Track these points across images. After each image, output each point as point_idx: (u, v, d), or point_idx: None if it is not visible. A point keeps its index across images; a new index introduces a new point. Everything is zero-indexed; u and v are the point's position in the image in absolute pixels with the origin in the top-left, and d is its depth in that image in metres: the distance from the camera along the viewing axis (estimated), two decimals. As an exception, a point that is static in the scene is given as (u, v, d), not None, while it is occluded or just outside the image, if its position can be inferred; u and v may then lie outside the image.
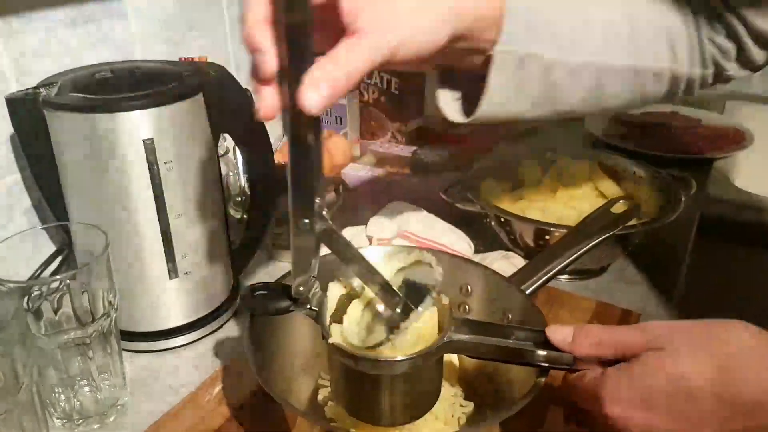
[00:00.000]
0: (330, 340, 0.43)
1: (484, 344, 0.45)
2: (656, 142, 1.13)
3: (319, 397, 0.56)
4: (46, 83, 0.59)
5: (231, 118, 0.65)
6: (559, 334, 0.44)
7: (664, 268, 0.82)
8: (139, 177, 0.58)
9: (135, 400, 0.60)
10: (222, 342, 0.68)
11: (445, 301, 0.47)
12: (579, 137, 1.21)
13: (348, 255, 0.43)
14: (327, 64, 0.37)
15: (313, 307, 0.46)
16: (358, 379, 0.44)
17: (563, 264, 0.56)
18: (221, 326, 0.70)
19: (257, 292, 0.48)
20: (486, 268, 0.58)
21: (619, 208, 0.64)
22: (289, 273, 0.46)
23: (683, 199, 0.77)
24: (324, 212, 0.42)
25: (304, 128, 0.37)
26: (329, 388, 0.55)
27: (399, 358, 0.42)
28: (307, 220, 0.41)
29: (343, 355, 0.43)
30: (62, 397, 0.57)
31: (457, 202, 0.78)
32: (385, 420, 0.46)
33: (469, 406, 0.55)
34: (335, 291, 0.46)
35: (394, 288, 0.43)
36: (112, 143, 0.56)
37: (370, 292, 0.45)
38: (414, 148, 1.03)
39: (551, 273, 0.56)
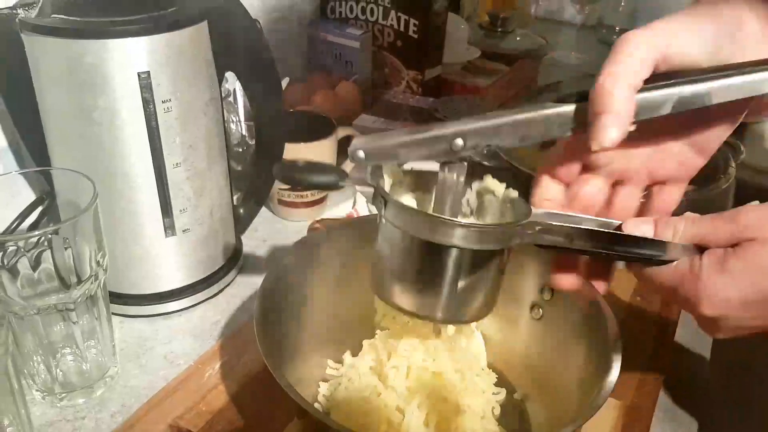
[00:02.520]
0: (391, 197, 0.38)
1: (572, 228, 0.38)
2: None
3: (323, 390, 0.50)
4: (25, 3, 0.50)
5: (238, 54, 0.57)
6: (641, 227, 0.38)
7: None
8: (132, 117, 0.50)
9: (125, 372, 0.53)
10: (222, 308, 0.61)
11: (515, 194, 0.42)
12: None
13: None
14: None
15: (369, 182, 0.40)
16: (412, 252, 0.39)
17: None
18: (221, 290, 0.62)
19: (299, 165, 0.43)
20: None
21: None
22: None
23: (733, 164, 0.70)
24: None
25: None
26: (336, 381, 0.49)
27: (472, 222, 0.39)
28: None
29: (407, 212, 0.38)
30: (42, 366, 0.50)
31: (483, 159, 0.71)
32: (440, 312, 0.40)
33: (502, 393, 0.49)
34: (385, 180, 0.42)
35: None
36: (101, 76, 0.48)
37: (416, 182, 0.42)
38: (430, 99, 0.95)
39: None
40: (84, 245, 0.48)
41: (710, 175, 0.69)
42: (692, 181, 0.69)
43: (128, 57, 0.48)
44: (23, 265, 0.47)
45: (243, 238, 0.68)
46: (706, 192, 0.66)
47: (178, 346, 0.56)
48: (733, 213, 0.36)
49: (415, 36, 0.93)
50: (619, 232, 0.38)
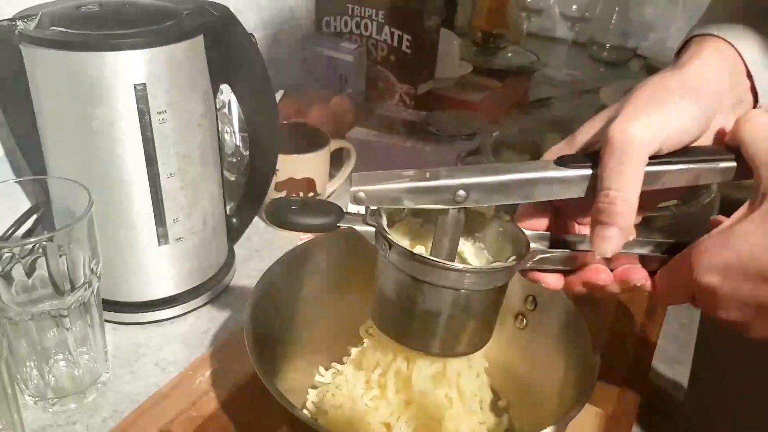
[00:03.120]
0: (396, 242, 0.39)
1: (572, 253, 0.40)
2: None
3: (311, 398, 0.50)
4: (25, 15, 0.51)
5: (233, 67, 0.58)
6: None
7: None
8: (128, 128, 0.51)
9: (117, 379, 0.54)
10: (214, 316, 0.62)
11: (506, 218, 0.43)
12: (593, 110, 1.15)
13: None
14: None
15: (369, 222, 0.40)
16: (415, 294, 0.39)
17: None
18: (213, 299, 0.63)
19: (292, 206, 0.42)
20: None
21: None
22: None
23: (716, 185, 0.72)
24: None
25: None
26: (324, 389, 0.50)
27: (480, 267, 0.39)
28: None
29: (414, 259, 0.38)
30: (35, 372, 0.50)
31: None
32: (437, 349, 0.41)
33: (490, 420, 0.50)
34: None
35: None
36: (98, 88, 0.49)
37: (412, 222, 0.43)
38: (423, 112, 0.96)
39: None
40: (78, 252, 0.49)
41: (693, 191, 0.70)
42: (676, 198, 0.71)
43: (125, 69, 0.49)
44: (18, 272, 0.48)
45: (236, 247, 0.69)
46: (688, 208, 0.67)
47: (170, 354, 0.57)
48: None
49: (408, 51, 0.95)
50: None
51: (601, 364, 0.42)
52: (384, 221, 0.41)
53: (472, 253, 0.45)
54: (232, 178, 0.79)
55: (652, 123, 0.36)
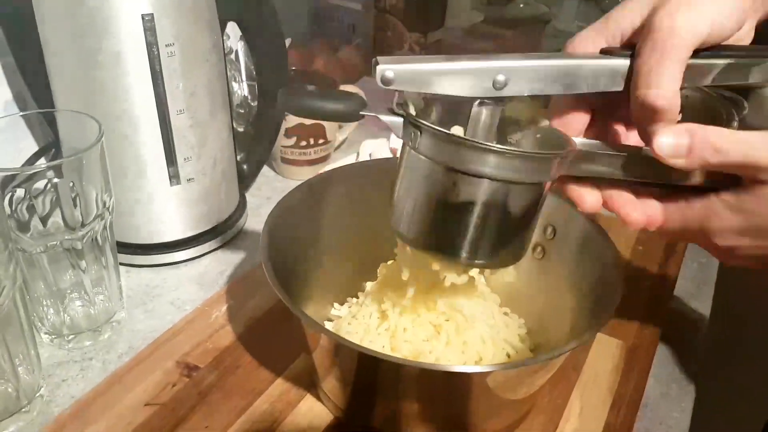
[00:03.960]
0: (428, 124, 0.34)
1: (615, 156, 0.36)
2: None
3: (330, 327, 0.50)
4: (27, -50, 0.50)
5: (241, 2, 0.56)
6: (670, 145, 0.35)
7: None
8: (136, 61, 0.50)
9: (132, 318, 0.54)
10: (228, 258, 0.61)
11: (545, 122, 0.39)
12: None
13: None
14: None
15: (396, 110, 0.36)
16: (448, 187, 0.35)
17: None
18: (227, 243, 0.63)
19: (309, 90, 0.39)
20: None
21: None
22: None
23: (737, 120, 0.70)
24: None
25: None
26: (339, 322, 0.49)
27: (522, 150, 0.35)
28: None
29: (450, 142, 0.34)
30: (50, 310, 0.50)
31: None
32: (465, 252, 0.37)
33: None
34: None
35: None
36: (105, 18, 0.48)
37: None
38: (433, 62, 0.94)
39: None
40: (90, 187, 0.48)
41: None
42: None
43: (131, -2, 0.48)
44: (33, 217, 0.48)
45: (247, 195, 0.69)
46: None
47: (185, 294, 0.56)
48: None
49: (418, -3, 0.93)
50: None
51: (621, 297, 0.40)
52: (412, 110, 0.36)
53: None
54: (241, 129, 0.79)
55: (700, 15, 0.34)
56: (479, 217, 0.36)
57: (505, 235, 0.37)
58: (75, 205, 0.50)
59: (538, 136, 0.39)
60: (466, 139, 0.34)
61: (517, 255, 0.39)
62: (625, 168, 0.36)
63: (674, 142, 0.35)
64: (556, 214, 0.48)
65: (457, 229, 0.37)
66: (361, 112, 0.37)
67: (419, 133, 0.35)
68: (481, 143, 0.34)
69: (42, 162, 0.59)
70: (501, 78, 0.34)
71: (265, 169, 0.76)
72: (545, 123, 0.39)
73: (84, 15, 0.48)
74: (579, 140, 0.37)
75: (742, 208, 0.35)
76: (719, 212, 0.36)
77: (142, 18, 0.48)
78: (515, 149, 0.35)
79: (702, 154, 0.35)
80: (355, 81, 0.87)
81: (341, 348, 0.37)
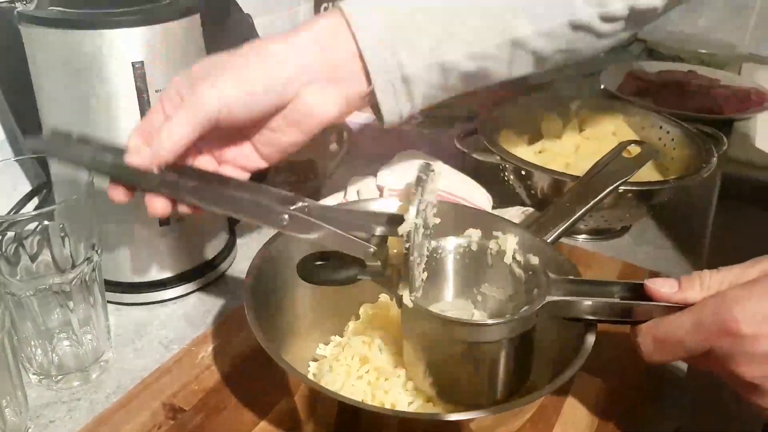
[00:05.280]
0: (407, 302, 0.40)
1: (588, 304, 0.40)
2: (674, 101, 1.08)
3: (312, 370, 0.51)
4: (22, -3, 0.52)
5: (231, 47, 0.58)
6: (664, 286, 0.39)
7: (687, 229, 0.77)
8: (127, 106, 0.51)
9: (120, 357, 0.54)
10: (217, 296, 0.62)
11: (535, 260, 0.43)
12: (594, 93, 1.15)
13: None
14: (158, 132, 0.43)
15: (386, 273, 0.41)
16: (441, 349, 0.41)
17: (582, 211, 0.52)
18: (216, 279, 0.64)
19: (317, 262, 0.44)
20: (502, 218, 0.53)
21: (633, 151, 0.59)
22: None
23: (715, 156, 0.72)
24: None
25: None
26: (324, 361, 0.50)
27: (492, 321, 0.40)
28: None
29: (427, 318, 0.40)
30: (38, 350, 0.51)
31: (473, 151, 0.73)
32: (471, 398, 0.42)
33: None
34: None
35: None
36: (96, 66, 0.49)
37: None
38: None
39: (570, 221, 0.52)
40: (79, 230, 0.49)
41: (693, 166, 0.70)
42: (676, 172, 0.71)
43: (123, 47, 0.49)
44: (22, 256, 0.48)
45: (236, 229, 0.70)
46: (689, 181, 0.67)
47: (173, 332, 0.57)
48: (758, 258, 0.38)
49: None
50: (640, 303, 0.39)
51: (602, 337, 0.42)
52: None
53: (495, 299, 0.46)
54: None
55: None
56: (479, 368, 0.41)
57: (507, 375, 0.42)
58: (64, 247, 0.51)
59: (530, 273, 0.43)
60: (444, 317, 0.40)
61: (524, 379, 0.43)
62: (608, 313, 0.41)
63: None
64: (486, 229, 0.49)
65: (461, 379, 0.42)
66: (358, 276, 0.43)
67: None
68: (460, 320, 0.40)
69: (34, 202, 0.59)
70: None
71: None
72: (535, 261, 0.43)
73: (78, 61, 0.49)
74: (560, 278, 0.42)
75: (760, 288, 0.35)
76: (734, 297, 0.36)
77: (133, 66, 0.49)
78: (494, 321, 0.41)
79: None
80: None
81: (321, 395, 0.38)
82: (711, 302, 0.36)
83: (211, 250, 0.63)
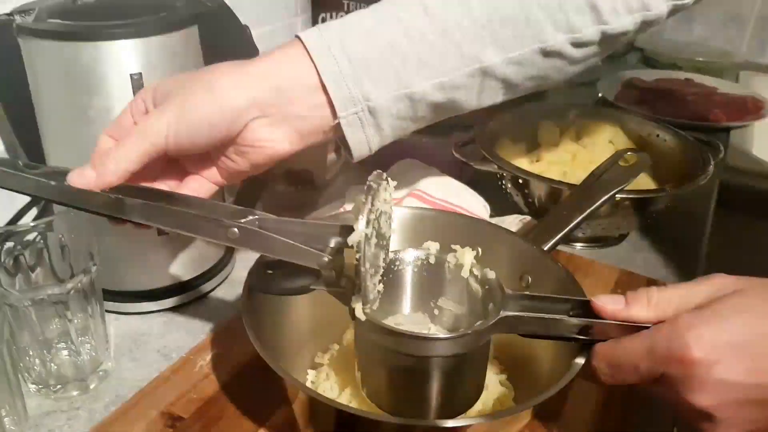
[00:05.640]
0: (360, 314, 0.40)
1: (542, 320, 0.40)
2: (671, 109, 1.08)
3: (310, 377, 0.51)
4: (22, 9, 0.52)
5: (228, 58, 0.58)
6: (610, 303, 0.39)
7: (684, 237, 0.77)
8: (125, 117, 0.51)
9: (119, 366, 0.54)
10: (216, 305, 0.62)
11: (491, 275, 0.43)
12: (591, 102, 1.15)
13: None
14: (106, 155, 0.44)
15: (341, 284, 0.41)
16: (394, 362, 0.40)
17: (579, 219, 0.52)
18: (215, 288, 0.64)
19: (270, 270, 0.43)
20: (499, 227, 0.53)
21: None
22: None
23: (712, 163, 0.72)
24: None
25: None
26: (323, 368, 0.50)
27: (444, 335, 0.40)
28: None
29: (379, 332, 0.39)
30: (37, 360, 0.51)
31: (471, 160, 0.73)
32: (424, 413, 0.41)
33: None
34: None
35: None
36: (95, 77, 0.50)
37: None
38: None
39: (567, 229, 0.52)
40: (77, 240, 0.50)
41: (690, 174, 0.71)
42: (673, 180, 0.72)
43: (121, 58, 0.49)
44: (21, 266, 0.49)
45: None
46: (685, 189, 0.68)
47: (172, 341, 0.57)
48: (705, 277, 0.38)
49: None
50: (592, 321, 0.39)
51: None
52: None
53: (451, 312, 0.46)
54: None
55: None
56: (430, 384, 0.40)
57: (462, 387, 0.42)
58: (63, 258, 0.51)
59: (487, 287, 0.43)
60: (398, 331, 0.39)
61: (477, 395, 0.43)
62: (560, 328, 0.40)
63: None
64: (531, 264, 0.49)
65: (410, 395, 0.41)
66: (311, 287, 0.42)
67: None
68: (413, 333, 0.39)
69: (33, 213, 0.60)
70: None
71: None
72: (492, 276, 0.43)
73: (76, 73, 0.50)
74: (517, 293, 0.42)
75: (712, 314, 0.35)
76: (686, 322, 0.36)
77: (131, 77, 0.50)
78: (447, 335, 0.41)
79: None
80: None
81: (319, 403, 0.38)
82: (664, 327, 0.36)
83: (209, 259, 0.63)
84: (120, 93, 0.50)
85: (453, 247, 0.45)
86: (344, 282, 0.40)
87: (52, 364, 0.52)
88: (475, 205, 0.67)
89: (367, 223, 0.37)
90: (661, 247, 0.75)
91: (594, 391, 0.51)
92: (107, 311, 0.57)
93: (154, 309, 0.60)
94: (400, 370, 0.40)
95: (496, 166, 0.71)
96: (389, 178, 0.41)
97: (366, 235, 0.37)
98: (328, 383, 0.45)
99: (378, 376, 0.42)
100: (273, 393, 0.48)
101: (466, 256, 0.44)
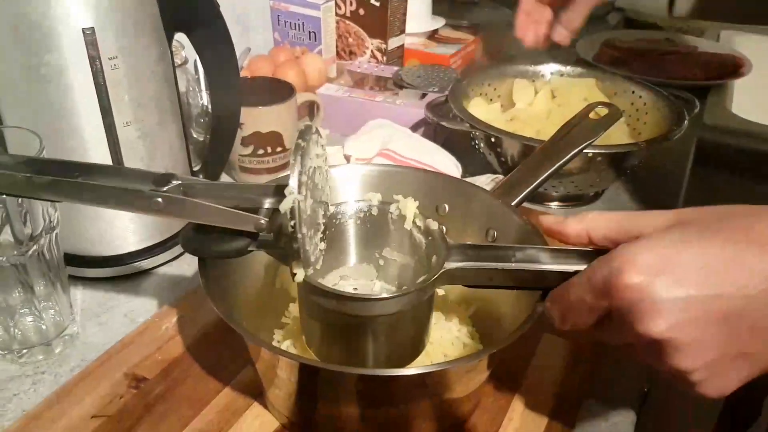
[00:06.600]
0: (300, 278, 0.39)
1: (484, 270, 0.39)
2: (650, 69, 1.07)
3: (276, 337, 0.50)
4: (-33, -35, 0.50)
5: (188, 14, 0.57)
6: (550, 219, 0.39)
7: (660, 195, 0.77)
8: (79, 75, 0.50)
9: (85, 331, 0.54)
10: (183, 270, 0.61)
11: (434, 225, 0.42)
12: (570, 63, 1.14)
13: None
14: None
15: (280, 245, 0.39)
16: (337, 321, 0.40)
17: (546, 174, 0.51)
18: (182, 252, 0.63)
19: (202, 232, 0.40)
20: (465, 181, 0.52)
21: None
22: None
23: (687, 118, 0.72)
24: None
25: None
26: (286, 329, 0.50)
27: (386, 295, 0.38)
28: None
29: (320, 294, 0.38)
30: (-1, 327, 0.50)
31: (442, 120, 0.72)
32: (370, 363, 0.41)
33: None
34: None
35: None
36: (46, 33, 0.48)
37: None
38: (395, 68, 0.95)
39: (534, 184, 0.51)
40: (37, 203, 0.48)
41: (666, 130, 0.70)
42: (648, 136, 0.71)
43: (71, 12, 0.48)
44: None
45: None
46: (658, 142, 0.67)
47: (139, 305, 0.57)
48: (658, 211, 0.36)
49: (377, 4, 0.94)
50: (535, 266, 0.38)
51: None
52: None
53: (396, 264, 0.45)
54: (201, 138, 0.79)
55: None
56: (373, 341, 0.40)
57: (404, 342, 0.42)
58: (24, 222, 0.50)
59: (430, 239, 0.42)
60: (337, 292, 0.39)
61: (419, 349, 0.43)
62: (504, 279, 0.40)
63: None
64: (497, 218, 0.49)
65: (352, 351, 0.41)
66: (248, 248, 0.40)
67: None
68: (354, 295, 0.39)
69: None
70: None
71: (225, 178, 0.76)
72: (434, 226, 0.43)
73: (25, 29, 0.48)
74: (458, 244, 0.41)
75: (650, 241, 0.32)
76: (622, 249, 0.33)
77: (83, 32, 0.48)
78: (385, 296, 0.39)
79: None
80: (317, 87, 0.88)
81: (280, 360, 0.37)
82: (601, 258, 0.34)
83: (175, 223, 0.62)
84: (73, 49, 0.49)
85: (395, 197, 0.44)
86: (284, 242, 0.38)
87: (16, 330, 0.51)
88: (447, 165, 0.67)
89: (299, 185, 0.35)
90: (636, 206, 0.75)
91: (561, 349, 0.51)
92: (73, 276, 0.57)
93: (120, 274, 0.59)
94: (343, 329, 0.40)
95: (468, 125, 0.70)
96: (318, 129, 0.39)
97: (299, 200, 0.35)
98: (291, 340, 0.45)
99: (322, 335, 0.42)
100: (239, 353, 0.48)
101: (408, 207, 0.43)
